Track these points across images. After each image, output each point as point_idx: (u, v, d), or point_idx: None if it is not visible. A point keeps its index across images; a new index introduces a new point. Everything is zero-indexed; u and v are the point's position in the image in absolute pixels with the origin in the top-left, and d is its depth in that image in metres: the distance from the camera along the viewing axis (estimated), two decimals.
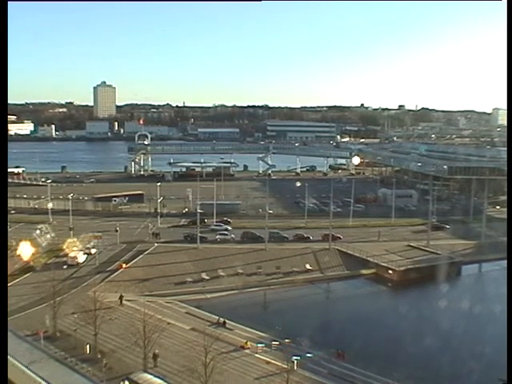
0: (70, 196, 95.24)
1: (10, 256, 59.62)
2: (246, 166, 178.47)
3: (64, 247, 75.03)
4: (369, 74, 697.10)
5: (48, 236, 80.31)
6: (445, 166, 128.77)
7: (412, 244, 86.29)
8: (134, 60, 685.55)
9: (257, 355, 47.24)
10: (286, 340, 47.96)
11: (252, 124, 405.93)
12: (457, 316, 58.16)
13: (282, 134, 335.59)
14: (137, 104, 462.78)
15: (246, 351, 48.19)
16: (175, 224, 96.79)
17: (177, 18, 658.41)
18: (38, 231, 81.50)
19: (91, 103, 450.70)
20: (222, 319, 55.90)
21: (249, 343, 49.25)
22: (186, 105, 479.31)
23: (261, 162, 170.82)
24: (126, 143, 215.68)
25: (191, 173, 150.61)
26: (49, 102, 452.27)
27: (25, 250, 66.08)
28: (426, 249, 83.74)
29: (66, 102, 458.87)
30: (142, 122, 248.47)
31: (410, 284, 73.39)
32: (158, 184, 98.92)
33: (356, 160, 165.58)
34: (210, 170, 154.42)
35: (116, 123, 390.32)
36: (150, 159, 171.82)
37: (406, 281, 73.49)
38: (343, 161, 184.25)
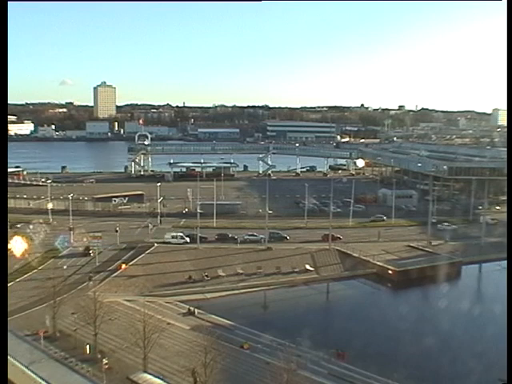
0: (69, 196, 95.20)
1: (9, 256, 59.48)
2: (246, 166, 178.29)
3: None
4: (369, 74, 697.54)
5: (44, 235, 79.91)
6: (445, 167, 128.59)
7: (412, 244, 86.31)
8: (133, 60, 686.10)
9: (256, 355, 47.22)
10: (286, 340, 47.90)
11: (252, 124, 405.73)
12: (456, 316, 58.24)
13: (282, 134, 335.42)
14: (137, 104, 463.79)
15: (246, 351, 48.19)
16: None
17: (177, 18, 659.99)
18: (32, 227, 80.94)
19: (91, 103, 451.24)
20: (192, 308, 58.71)
21: (248, 343, 49.24)
22: (185, 105, 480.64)
23: (261, 162, 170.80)
24: (126, 143, 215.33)
25: (191, 173, 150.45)
26: (49, 102, 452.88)
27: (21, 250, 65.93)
28: (426, 249, 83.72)
29: (66, 102, 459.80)
30: (141, 122, 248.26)
31: (409, 284, 73.39)
32: (158, 184, 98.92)
33: (360, 163, 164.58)
34: (210, 170, 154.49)
35: (116, 123, 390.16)
36: (149, 159, 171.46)
37: (406, 280, 73.49)
38: (343, 161, 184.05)
